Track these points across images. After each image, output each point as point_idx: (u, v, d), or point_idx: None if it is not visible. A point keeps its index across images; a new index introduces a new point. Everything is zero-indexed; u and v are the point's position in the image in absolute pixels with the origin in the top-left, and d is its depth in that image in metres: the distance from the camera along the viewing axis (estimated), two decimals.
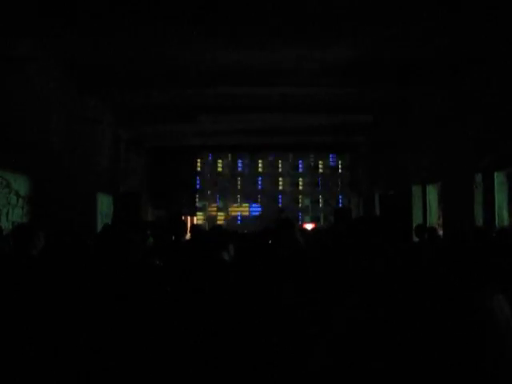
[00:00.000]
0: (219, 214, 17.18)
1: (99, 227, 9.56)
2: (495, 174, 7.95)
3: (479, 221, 8.13)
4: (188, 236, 6.67)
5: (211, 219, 17.08)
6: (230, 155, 17.14)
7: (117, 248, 3.94)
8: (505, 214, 7.82)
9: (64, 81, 8.11)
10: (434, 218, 10.44)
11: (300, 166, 17.30)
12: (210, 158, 17.21)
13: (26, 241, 3.59)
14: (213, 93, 9.92)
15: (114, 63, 8.02)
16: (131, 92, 9.92)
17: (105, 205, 10.47)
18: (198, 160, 17.13)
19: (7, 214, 5.87)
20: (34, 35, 6.56)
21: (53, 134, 7.61)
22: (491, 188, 7.99)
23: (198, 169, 17.14)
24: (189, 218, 15.42)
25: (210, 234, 4.69)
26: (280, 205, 16.51)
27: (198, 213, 16.94)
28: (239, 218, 17.15)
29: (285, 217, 7.07)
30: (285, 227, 4.31)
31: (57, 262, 3.57)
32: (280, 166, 17.26)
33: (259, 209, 16.86)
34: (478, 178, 8.31)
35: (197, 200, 17.03)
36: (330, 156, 17.36)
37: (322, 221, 17.05)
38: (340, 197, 17.31)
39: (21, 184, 6.27)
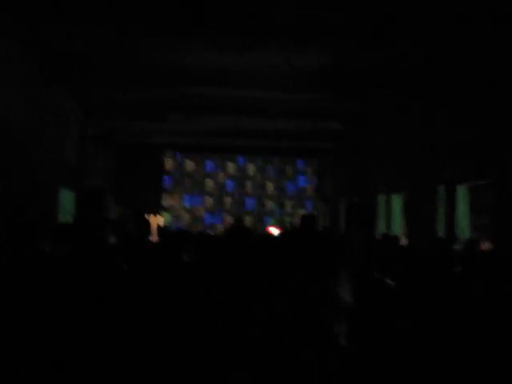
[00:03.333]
0: (184, 214, 17.04)
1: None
2: (458, 186, 8.11)
3: (441, 231, 8.27)
4: (155, 237, 6.58)
5: (177, 219, 16.92)
6: (198, 156, 17.03)
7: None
8: (465, 225, 7.98)
9: (30, 71, 7.90)
10: (398, 227, 10.58)
11: (268, 170, 17.32)
12: (179, 157, 17.06)
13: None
14: (184, 92, 9.84)
15: (84, 56, 7.86)
16: (100, 87, 9.75)
17: (67, 201, 10.24)
18: (166, 159, 16.95)
19: None
20: None
21: (16, 124, 7.40)
22: (453, 200, 8.15)
23: (166, 168, 16.97)
24: (151, 216, 15.23)
25: (177, 237, 4.64)
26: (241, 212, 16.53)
27: (164, 212, 16.76)
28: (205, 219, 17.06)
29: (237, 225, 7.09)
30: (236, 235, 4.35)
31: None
32: (248, 169, 17.24)
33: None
34: (441, 189, 8.47)
35: (163, 199, 16.85)
36: (298, 161, 17.43)
37: (288, 226, 17.07)
38: (307, 203, 17.40)
39: None
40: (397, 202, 10.80)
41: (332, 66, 7.84)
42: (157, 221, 15.31)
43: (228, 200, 17.05)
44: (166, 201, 16.93)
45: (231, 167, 17.17)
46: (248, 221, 16.64)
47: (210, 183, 17.00)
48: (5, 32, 6.61)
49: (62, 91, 9.61)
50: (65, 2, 5.83)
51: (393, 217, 10.94)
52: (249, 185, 17.19)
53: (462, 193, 8.07)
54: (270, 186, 17.31)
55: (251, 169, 17.23)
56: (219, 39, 6.96)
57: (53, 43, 7.24)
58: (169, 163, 17.04)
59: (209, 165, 17.09)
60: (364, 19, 6.10)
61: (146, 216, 14.01)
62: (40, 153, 8.53)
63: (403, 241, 9.69)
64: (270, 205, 17.28)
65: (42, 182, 8.57)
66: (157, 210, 15.95)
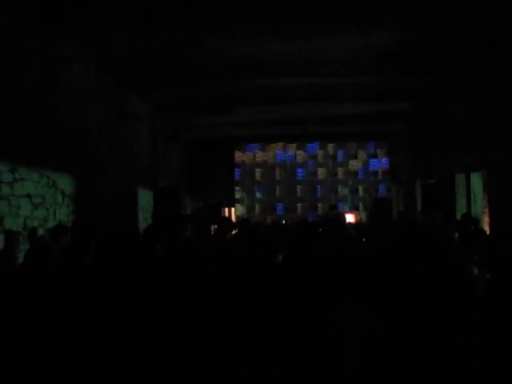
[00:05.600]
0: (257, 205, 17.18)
1: (140, 222, 9.69)
2: None
3: None
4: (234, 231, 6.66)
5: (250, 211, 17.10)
6: (268, 146, 17.09)
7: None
8: None
9: (104, 79, 8.21)
10: (479, 207, 10.14)
11: (339, 155, 17.12)
12: (248, 149, 17.19)
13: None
14: (249, 85, 9.86)
15: (151, 59, 8.06)
16: (168, 86, 9.97)
17: (145, 200, 10.60)
18: (236, 151, 17.12)
19: (54, 213, 6.01)
20: (76, 35, 6.64)
21: (94, 131, 7.73)
22: None
23: (237, 160, 17.15)
24: (226, 209, 15.48)
25: (264, 233, 4.64)
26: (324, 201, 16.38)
27: (237, 204, 16.98)
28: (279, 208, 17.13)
29: (333, 216, 6.97)
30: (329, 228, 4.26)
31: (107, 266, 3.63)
32: (319, 155, 17.13)
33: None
34: None
35: (235, 191, 17.07)
36: (369, 145, 17.10)
37: (361, 210, 16.85)
38: (380, 186, 17.06)
39: (65, 183, 6.40)
40: (477, 180, 10.34)
41: (403, 45, 7.59)
42: (231, 213, 15.55)
43: (300, 188, 17.03)
44: (239, 193, 17.15)
45: (301, 155, 17.12)
46: (321, 208, 16.56)
47: (280, 172, 17.04)
48: (83, 47, 6.91)
49: (134, 96, 9.93)
50: (127, 10, 6.00)
51: (473, 197, 10.50)
52: (320, 172, 17.08)
53: None
54: (342, 172, 17.12)
55: (322, 155, 17.10)
56: (283, 28, 6.91)
57: (123, 50, 7.49)
58: (239, 155, 17.22)
59: (279, 154, 17.12)
60: None
61: (221, 209, 14.29)
62: (118, 156, 8.87)
63: (485, 221, 9.31)
64: (342, 190, 17.09)
65: (121, 184, 8.92)
66: (230, 202, 16.20)
